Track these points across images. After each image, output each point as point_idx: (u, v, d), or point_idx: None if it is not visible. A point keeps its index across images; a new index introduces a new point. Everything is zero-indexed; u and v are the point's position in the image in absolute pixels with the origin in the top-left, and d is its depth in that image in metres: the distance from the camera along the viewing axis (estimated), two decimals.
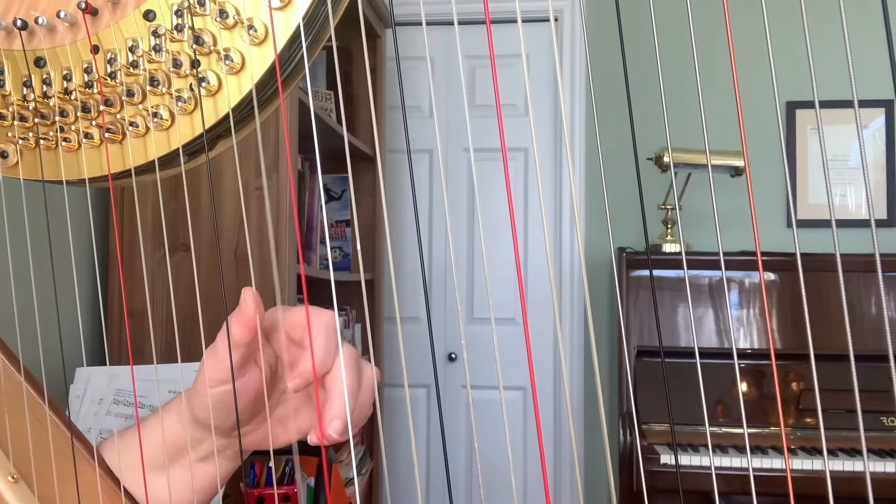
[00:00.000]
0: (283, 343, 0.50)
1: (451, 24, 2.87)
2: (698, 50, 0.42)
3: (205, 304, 1.64)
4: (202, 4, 0.48)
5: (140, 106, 0.50)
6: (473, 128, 2.94)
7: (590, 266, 2.88)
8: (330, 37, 0.49)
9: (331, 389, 0.48)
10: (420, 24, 2.86)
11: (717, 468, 2.07)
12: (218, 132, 0.51)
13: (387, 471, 0.50)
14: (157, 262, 1.77)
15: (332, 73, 2.36)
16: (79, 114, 0.51)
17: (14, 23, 0.50)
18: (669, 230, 2.61)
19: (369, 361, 0.51)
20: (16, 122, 0.52)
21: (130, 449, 0.54)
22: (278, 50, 0.48)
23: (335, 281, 2.15)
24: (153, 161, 0.51)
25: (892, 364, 0.34)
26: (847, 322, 0.40)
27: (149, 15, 0.49)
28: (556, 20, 3.01)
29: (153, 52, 0.50)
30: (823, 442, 0.39)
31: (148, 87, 0.50)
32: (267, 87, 0.51)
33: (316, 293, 2.12)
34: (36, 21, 0.50)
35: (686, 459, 2.13)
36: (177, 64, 0.49)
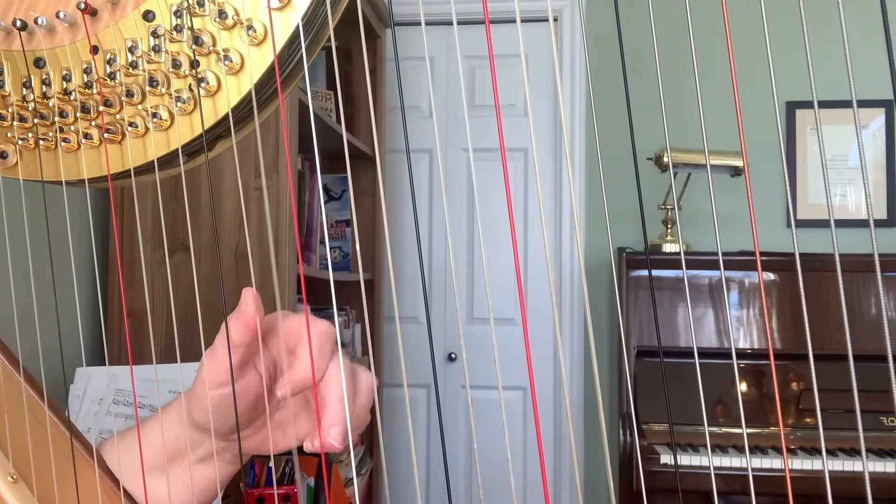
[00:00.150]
0: (282, 348, 0.50)
1: (451, 24, 2.87)
2: (698, 50, 0.42)
3: (204, 305, 1.64)
4: (201, 5, 0.48)
5: (139, 106, 0.50)
6: (473, 128, 2.94)
7: (589, 266, 2.88)
8: (329, 37, 0.49)
9: (325, 397, 0.48)
10: (419, 24, 2.86)
11: (716, 468, 2.07)
12: (217, 132, 0.51)
13: (386, 471, 0.50)
14: (156, 263, 1.77)
15: (332, 73, 2.36)
16: (78, 114, 0.51)
17: (13, 23, 0.51)
18: (669, 230, 2.61)
19: (367, 368, 0.51)
20: (15, 123, 0.52)
21: (131, 450, 0.54)
22: (277, 50, 0.48)
23: (335, 281, 2.15)
24: (153, 161, 0.51)
25: (892, 364, 0.34)
26: (846, 322, 0.40)
27: (148, 15, 0.49)
28: (555, 20, 3.01)
29: (152, 53, 0.50)
30: (822, 442, 0.39)
31: (147, 88, 0.50)
32: (266, 88, 0.51)
33: (316, 293, 2.12)
34: (35, 21, 0.50)
35: (686, 459, 2.13)
36: (176, 64, 0.49)
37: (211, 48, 0.48)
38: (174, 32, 0.49)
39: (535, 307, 2.93)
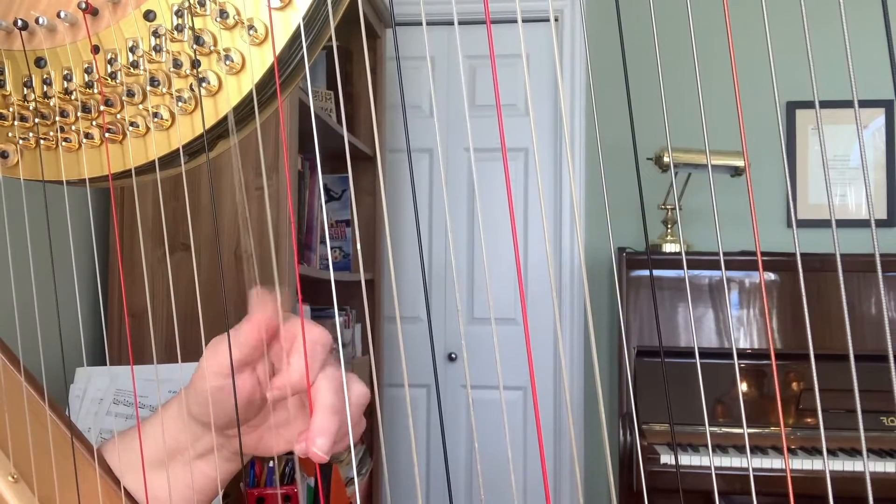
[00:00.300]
0: (282, 352, 0.50)
1: (451, 24, 2.87)
2: (697, 51, 0.42)
3: (205, 304, 1.64)
4: (202, 5, 0.48)
5: (140, 106, 0.50)
6: (473, 128, 2.94)
7: (589, 266, 2.88)
8: (331, 37, 0.49)
9: (315, 405, 0.48)
10: (419, 24, 2.86)
11: (716, 468, 2.07)
12: (218, 132, 0.52)
13: (387, 471, 0.50)
14: (156, 262, 1.77)
15: (332, 73, 2.36)
16: (79, 114, 0.51)
17: (14, 23, 0.51)
18: (669, 230, 2.61)
19: (360, 379, 0.51)
20: (16, 123, 0.52)
21: (132, 448, 0.54)
22: (278, 50, 0.48)
23: (336, 281, 2.15)
24: (153, 161, 0.51)
25: (893, 364, 0.34)
26: (847, 322, 0.40)
27: (149, 15, 0.49)
28: (555, 20, 3.01)
29: (153, 53, 0.50)
30: (823, 442, 0.39)
31: (148, 88, 0.50)
32: (267, 88, 0.51)
33: (316, 293, 2.12)
34: (36, 21, 0.50)
35: (686, 459, 2.13)
36: (177, 64, 0.49)
37: (212, 48, 0.49)
38: (175, 32, 0.49)
39: (534, 307, 2.93)
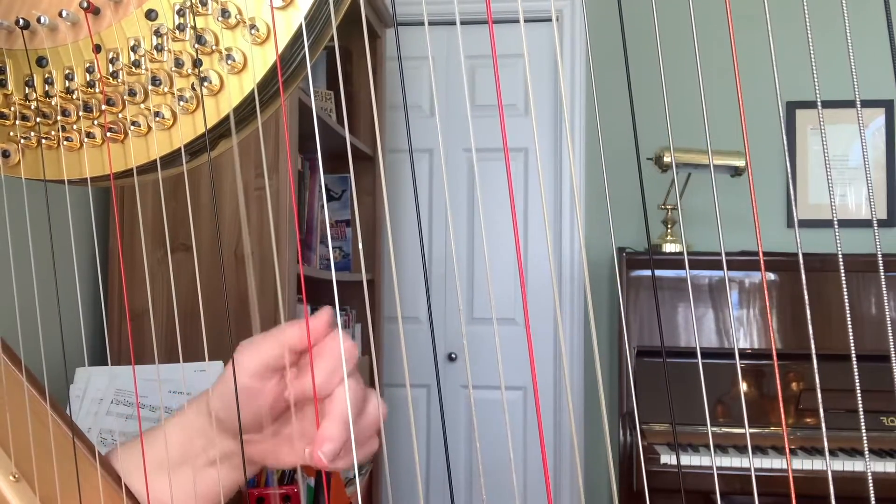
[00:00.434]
0: (306, 363, 0.50)
1: (449, 24, 2.87)
2: (699, 52, 0.42)
3: (205, 304, 1.64)
4: (204, 4, 0.48)
5: (142, 105, 0.50)
6: (473, 128, 2.94)
7: (589, 266, 2.88)
8: (333, 36, 0.49)
9: (328, 413, 0.48)
10: (418, 23, 2.86)
11: (716, 468, 2.07)
12: (220, 132, 0.51)
13: (391, 470, 0.50)
14: (156, 262, 1.77)
15: (332, 73, 2.36)
16: (81, 113, 0.51)
17: (16, 22, 0.50)
18: (669, 230, 2.61)
19: (380, 396, 0.51)
20: (18, 122, 0.52)
21: (150, 448, 0.54)
22: (280, 50, 0.48)
23: (336, 281, 2.15)
24: (155, 160, 0.51)
25: (894, 364, 0.34)
26: (849, 322, 0.40)
27: (151, 14, 0.49)
28: (557, 20, 3.01)
29: (155, 52, 0.50)
30: (825, 442, 0.39)
31: (150, 87, 0.50)
32: (269, 87, 0.51)
33: (316, 293, 2.12)
34: (38, 20, 0.50)
35: (686, 459, 2.13)
36: (179, 63, 0.49)
37: (213, 47, 0.48)
38: (177, 31, 0.49)
39: (533, 307, 2.93)
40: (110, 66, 0.50)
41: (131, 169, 0.51)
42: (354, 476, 1.96)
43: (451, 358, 3.00)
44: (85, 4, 0.49)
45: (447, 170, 3.07)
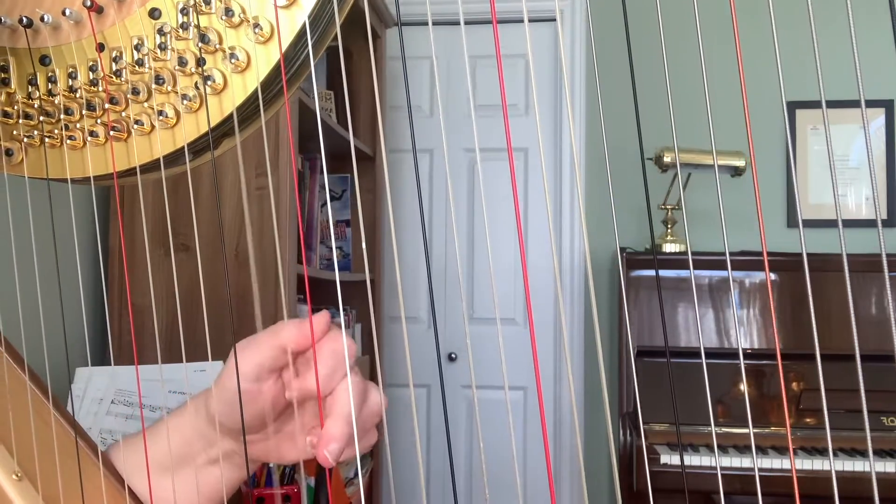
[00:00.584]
0: (304, 362, 0.50)
1: (448, 24, 2.87)
2: (696, 51, 0.42)
3: (205, 304, 1.64)
4: (207, 3, 0.48)
5: (145, 104, 0.50)
6: (472, 128, 2.94)
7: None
8: (336, 35, 0.49)
9: (332, 411, 0.48)
10: (418, 23, 2.86)
11: (716, 468, 2.07)
12: (223, 130, 0.51)
13: (392, 470, 0.50)
14: (157, 262, 1.76)
15: (331, 73, 2.35)
16: (84, 112, 0.51)
17: (19, 20, 0.50)
18: (669, 230, 2.61)
19: (379, 389, 0.51)
20: (21, 121, 0.52)
21: (142, 449, 0.54)
22: (283, 48, 0.48)
23: (334, 281, 2.15)
24: (158, 159, 0.51)
25: None
26: (854, 322, 0.40)
27: (154, 13, 0.49)
28: (554, 20, 3.02)
29: (158, 51, 0.50)
30: (829, 442, 0.39)
31: (153, 86, 0.50)
32: (272, 86, 0.51)
33: (316, 293, 2.11)
34: (41, 19, 0.50)
35: (686, 459, 2.13)
36: (182, 62, 0.49)
37: (217, 46, 0.48)
38: (180, 30, 0.49)
39: (533, 307, 2.93)
40: (113, 64, 0.50)
41: (134, 168, 0.51)
42: (357, 475, 1.96)
43: (451, 358, 3.00)
44: (88, 3, 0.49)
45: (447, 170, 3.07)
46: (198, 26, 0.48)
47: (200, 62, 0.49)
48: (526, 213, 3.04)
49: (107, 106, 0.51)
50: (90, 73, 0.51)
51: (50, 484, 0.51)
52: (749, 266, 2.36)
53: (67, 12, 0.50)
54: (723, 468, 2.10)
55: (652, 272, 2.42)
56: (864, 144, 2.75)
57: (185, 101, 0.49)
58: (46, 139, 0.52)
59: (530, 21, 3.02)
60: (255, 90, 0.49)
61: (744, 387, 2.22)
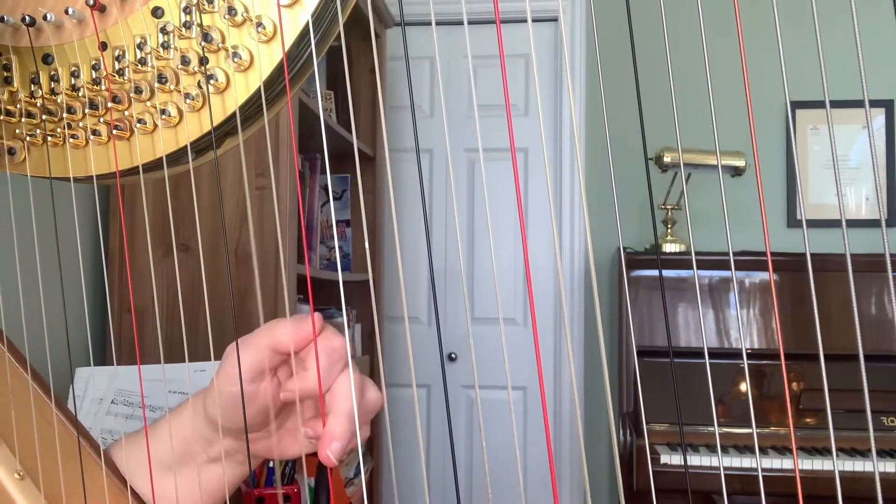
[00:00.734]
0: (300, 360, 0.50)
1: (449, 24, 2.87)
2: (694, 51, 0.42)
3: (204, 304, 1.63)
4: (210, 1, 0.48)
5: (148, 103, 0.50)
6: (471, 128, 2.95)
7: (588, 266, 2.87)
8: (339, 34, 0.49)
9: (333, 410, 0.48)
10: (417, 23, 2.86)
11: (716, 468, 2.07)
12: (225, 129, 0.51)
13: (394, 470, 0.50)
14: (157, 262, 1.76)
15: (332, 73, 2.35)
16: (86, 111, 0.51)
17: (22, 19, 0.50)
18: (669, 230, 2.61)
19: (377, 386, 0.51)
20: (23, 119, 0.52)
21: (143, 448, 0.54)
22: (286, 47, 0.48)
23: (334, 281, 2.14)
24: (160, 158, 0.51)
25: None
26: (857, 322, 0.40)
27: (157, 12, 0.49)
28: (554, 20, 3.02)
29: (161, 49, 0.49)
30: (833, 442, 0.39)
31: (156, 84, 0.50)
32: (275, 85, 0.51)
33: (316, 293, 2.11)
34: (44, 17, 0.50)
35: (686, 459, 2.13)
36: (185, 61, 0.49)
37: (220, 45, 0.48)
38: (183, 29, 0.49)
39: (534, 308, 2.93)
40: (116, 63, 0.50)
41: (137, 167, 0.51)
42: (357, 475, 1.96)
43: (451, 358, 3.00)
44: (91, 2, 0.49)
45: (447, 170, 3.07)
46: (200, 25, 0.48)
47: (203, 61, 0.49)
48: (526, 213, 3.04)
49: (109, 105, 0.51)
50: (93, 72, 0.51)
51: (52, 483, 0.51)
52: (749, 266, 2.36)
53: (70, 11, 0.50)
54: (723, 468, 2.10)
55: (652, 272, 2.42)
56: (863, 144, 2.75)
57: (187, 100, 0.49)
58: (49, 138, 0.52)
59: (532, 21, 3.02)
60: (258, 89, 0.49)
61: (744, 387, 2.23)
